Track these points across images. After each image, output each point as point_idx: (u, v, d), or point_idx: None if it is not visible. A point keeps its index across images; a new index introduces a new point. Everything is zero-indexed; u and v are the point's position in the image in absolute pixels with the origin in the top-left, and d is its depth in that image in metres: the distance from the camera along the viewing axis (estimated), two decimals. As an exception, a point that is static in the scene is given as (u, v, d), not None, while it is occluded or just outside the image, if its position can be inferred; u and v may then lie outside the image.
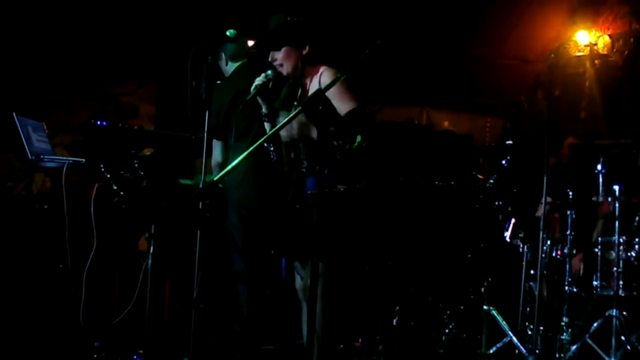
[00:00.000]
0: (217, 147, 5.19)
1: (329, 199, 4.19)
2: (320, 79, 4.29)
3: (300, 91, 4.43)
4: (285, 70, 4.36)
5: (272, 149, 4.41)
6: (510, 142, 6.13)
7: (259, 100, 4.36)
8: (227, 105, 5.00)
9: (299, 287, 4.53)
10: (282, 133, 4.38)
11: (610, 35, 9.51)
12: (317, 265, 3.84)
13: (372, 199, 4.49)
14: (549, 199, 6.13)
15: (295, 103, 4.40)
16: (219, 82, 5.28)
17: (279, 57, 4.37)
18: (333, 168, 4.23)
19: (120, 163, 5.25)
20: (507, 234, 5.94)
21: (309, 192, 4.22)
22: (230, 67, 5.28)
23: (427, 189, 5.66)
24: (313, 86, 4.30)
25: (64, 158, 5.45)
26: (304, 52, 4.38)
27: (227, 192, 5.08)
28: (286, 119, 3.48)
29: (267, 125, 4.45)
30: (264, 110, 4.39)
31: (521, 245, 5.86)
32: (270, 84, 4.29)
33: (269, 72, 4.29)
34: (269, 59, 4.39)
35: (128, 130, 5.59)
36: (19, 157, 5.90)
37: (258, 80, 4.29)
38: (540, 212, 6.36)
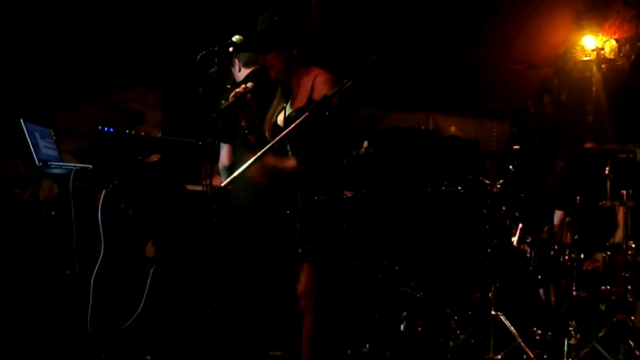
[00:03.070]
0: (223, 150, 5.19)
1: (335, 205, 4.19)
2: (315, 81, 4.24)
3: (292, 93, 4.37)
4: (274, 72, 4.31)
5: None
6: (517, 146, 6.12)
7: (239, 114, 4.29)
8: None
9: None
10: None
11: (616, 40, 9.51)
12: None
13: (379, 205, 4.47)
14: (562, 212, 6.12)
15: (287, 104, 4.35)
16: (229, 86, 5.29)
17: (268, 59, 4.34)
18: (334, 174, 4.22)
19: (128, 169, 5.25)
20: (515, 239, 5.93)
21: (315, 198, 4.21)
22: (242, 73, 5.28)
23: (434, 194, 5.65)
24: (305, 88, 4.26)
25: (71, 164, 5.46)
26: (294, 53, 4.34)
27: (234, 195, 5.09)
28: (293, 124, 3.48)
29: (250, 138, 4.36)
30: (243, 124, 4.30)
31: (528, 250, 5.85)
32: (249, 95, 4.21)
33: (249, 84, 4.22)
34: (258, 61, 4.35)
35: (135, 136, 5.60)
36: (26, 163, 5.91)
37: (236, 91, 4.21)
38: (557, 220, 6.35)
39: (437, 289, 5.97)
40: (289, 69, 4.32)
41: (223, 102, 4.29)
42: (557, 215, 6.37)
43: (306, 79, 4.28)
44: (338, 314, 5.50)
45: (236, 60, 5.32)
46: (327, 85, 4.11)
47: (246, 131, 4.31)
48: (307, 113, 3.48)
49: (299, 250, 4.25)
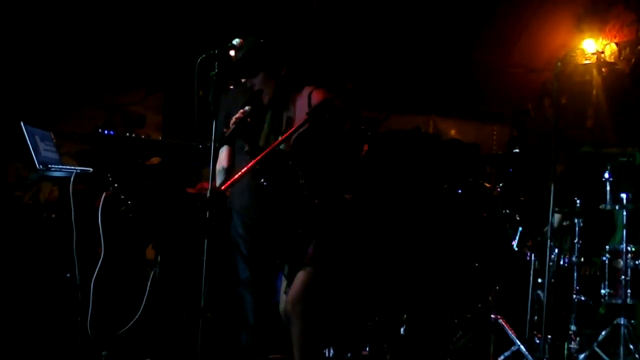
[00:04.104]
0: (223, 151, 5.18)
1: (336, 208, 4.18)
2: (311, 98, 4.23)
3: (285, 118, 4.37)
4: (266, 96, 4.30)
5: (265, 183, 4.33)
6: (517, 150, 6.12)
7: (241, 140, 4.28)
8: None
9: (281, 309, 4.45)
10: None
11: (617, 43, 9.51)
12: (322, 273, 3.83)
13: (379, 208, 4.47)
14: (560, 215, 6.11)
15: (281, 129, 4.34)
16: (232, 87, 5.29)
17: (257, 82, 4.32)
18: (337, 181, 4.21)
19: (128, 172, 5.25)
20: (515, 242, 5.93)
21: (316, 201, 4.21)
22: None
23: (435, 197, 5.66)
24: (300, 109, 4.25)
25: (72, 167, 5.46)
26: (282, 72, 4.32)
27: (232, 199, 5.08)
28: (292, 129, 3.48)
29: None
30: (246, 148, 4.30)
31: (529, 254, 5.85)
32: (249, 119, 4.19)
33: (247, 108, 4.21)
34: (248, 85, 4.35)
35: (135, 139, 5.60)
36: (26, 166, 5.91)
37: (236, 117, 4.21)
38: (556, 224, 6.34)
39: (438, 292, 5.98)
40: (280, 92, 4.31)
41: (225, 130, 4.29)
42: (556, 218, 6.36)
43: (300, 101, 4.26)
44: (338, 317, 5.50)
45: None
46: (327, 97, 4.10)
47: (249, 156, 4.29)
48: (306, 116, 3.48)
49: (300, 255, 4.24)
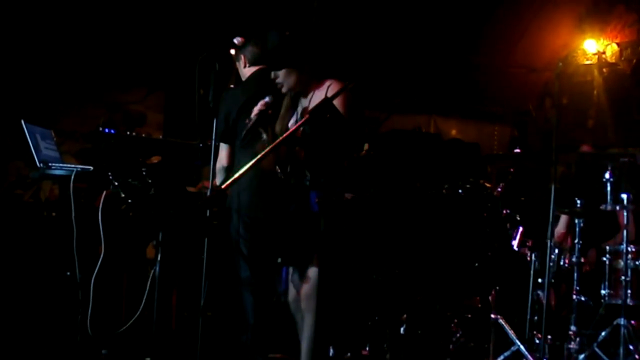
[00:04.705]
0: (223, 150, 5.18)
1: (336, 207, 4.18)
2: (328, 92, 4.25)
3: (301, 106, 4.41)
4: (286, 87, 4.35)
5: (279, 170, 4.36)
6: (518, 150, 6.12)
7: (262, 129, 4.33)
8: (237, 111, 5.00)
9: (290, 299, 4.48)
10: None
11: (618, 44, 9.51)
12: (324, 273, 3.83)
13: (380, 207, 4.47)
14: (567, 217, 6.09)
15: (296, 116, 4.37)
16: (232, 86, 5.29)
17: (280, 75, 4.37)
18: (338, 179, 4.21)
19: (128, 171, 5.25)
20: (515, 243, 5.92)
21: (316, 200, 4.21)
22: (248, 70, 5.27)
23: (435, 197, 5.65)
24: (316, 101, 4.26)
25: (72, 166, 5.46)
26: (306, 67, 4.36)
27: (231, 198, 5.08)
28: (294, 127, 3.48)
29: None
30: (264, 137, 4.35)
31: (529, 254, 5.85)
32: (270, 111, 4.26)
33: (267, 98, 4.27)
34: (272, 76, 4.39)
35: (136, 138, 5.60)
36: (27, 164, 5.91)
37: (257, 108, 4.26)
38: (562, 225, 6.33)
39: (438, 292, 5.97)
40: (303, 83, 4.36)
41: (247, 120, 4.34)
42: (563, 220, 6.35)
43: (318, 94, 4.29)
44: (338, 316, 5.50)
45: (242, 57, 5.32)
46: (340, 94, 4.12)
47: (252, 154, 4.30)
48: (307, 116, 3.48)
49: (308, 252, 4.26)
